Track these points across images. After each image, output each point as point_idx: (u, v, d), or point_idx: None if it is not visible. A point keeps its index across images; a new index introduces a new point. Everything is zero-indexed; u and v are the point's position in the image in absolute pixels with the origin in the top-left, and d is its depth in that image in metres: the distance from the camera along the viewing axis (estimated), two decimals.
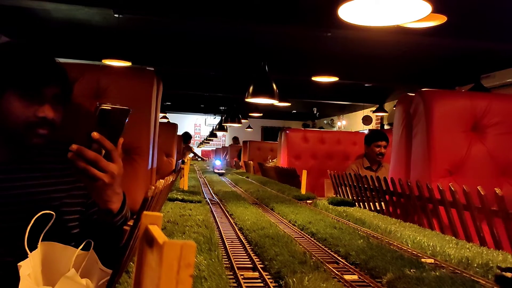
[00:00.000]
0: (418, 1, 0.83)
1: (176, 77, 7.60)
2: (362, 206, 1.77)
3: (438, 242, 1.03)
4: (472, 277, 0.79)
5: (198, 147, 14.30)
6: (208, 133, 13.08)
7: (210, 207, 1.63)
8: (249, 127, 12.95)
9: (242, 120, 9.61)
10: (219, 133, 12.16)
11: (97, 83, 1.29)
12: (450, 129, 1.54)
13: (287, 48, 5.70)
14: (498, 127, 1.56)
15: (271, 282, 0.74)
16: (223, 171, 3.87)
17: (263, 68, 3.90)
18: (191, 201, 1.70)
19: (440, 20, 2.74)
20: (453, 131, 1.54)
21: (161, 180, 0.70)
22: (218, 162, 4.33)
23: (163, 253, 0.28)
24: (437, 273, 0.80)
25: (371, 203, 1.70)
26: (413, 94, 1.65)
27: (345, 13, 0.93)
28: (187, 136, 9.22)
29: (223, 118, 9.83)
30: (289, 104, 7.51)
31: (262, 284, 0.74)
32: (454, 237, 1.13)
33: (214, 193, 2.19)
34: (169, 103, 10.48)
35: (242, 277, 0.76)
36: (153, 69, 1.99)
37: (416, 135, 1.59)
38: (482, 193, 1.01)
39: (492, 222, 1.03)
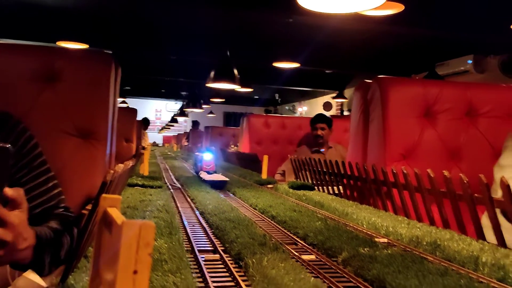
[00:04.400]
0: None
1: (136, 61, 7.42)
2: (321, 189, 1.82)
3: (391, 223, 1.08)
4: (421, 254, 0.84)
5: (159, 132, 14.09)
6: (169, 119, 12.89)
7: (171, 193, 1.63)
8: (211, 112, 12.88)
9: (204, 106, 9.54)
10: (180, 119, 12.03)
11: (50, 66, 1.25)
12: (404, 115, 1.60)
13: (249, 34, 5.67)
14: (448, 113, 1.64)
15: (231, 264, 0.76)
16: (225, 179, 1.86)
17: (224, 53, 3.88)
18: (151, 187, 1.69)
19: (397, 8, 2.81)
20: (407, 117, 1.60)
21: (120, 164, 0.69)
22: (208, 156, 2.18)
23: (122, 233, 0.28)
24: (389, 251, 0.84)
25: (329, 187, 1.75)
26: (371, 81, 1.70)
27: (305, 1, 0.95)
28: (146, 122, 9.08)
29: (184, 103, 9.72)
30: (251, 89, 7.52)
31: (222, 266, 0.76)
32: (406, 218, 1.19)
33: (175, 179, 2.18)
34: (129, 88, 10.24)
35: (203, 259, 0.78)
36: (110, 52, 1.93)
37: (373, 121, 1.65)
38: (432, 176, 1.07)
39: (441, 203, 1.09)
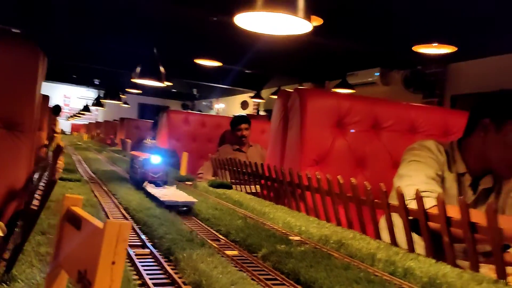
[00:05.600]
0: (301, 20, 0.95)
1: (48, 42, 6.96)
2: (240, 189, 1.92)
3: (303, 222, 1.20)
4: (329, 251, 0.96)
5: (67, 119, 13.31)
6: (81, 106, 12.24)
7: (90, 187, 1.62)
8: (125, 103, 12.46)
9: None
10: (92, 108, 11.49)
11: None
12: (319, 124, 1.75)
13: (174, 28, 5.62)
14: (357, 125, 1.83)
15: (162, 258, 0.81)
16: (192, 200, 1.33)
17: (152, 50, 3.83)
18: (69, 180, 1.65)
19: (316, 22, 3.01)
20: (321, 126, 1.76)
21: (60, 161, 0.71)
22: (156, 160, 1.56)
23: (105, 230, 0.34)
24: (302, 248, 0.96)
25: (248, 186, 1.85)
26: (291, 91, 1.83)
27: (241, 20, 1.02)
28: (57, 109, 8.56)
29: (103, 93, 9.27)
30: (171, 83, 7.44)
31: (153, 260, 0.81)
32: (316, 218, 1.33)
33: (92, 172, 2.14)
34: None
35: (134, 253, 0.82)
36: (19, 31, 1.84)
37: (291, 128, 1.78)
38: (341, 182, 1.21)
39: (347, 206, 1.23)
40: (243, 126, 3.80)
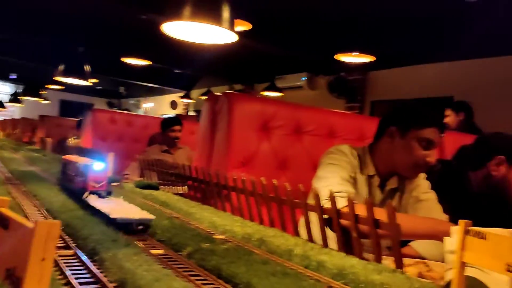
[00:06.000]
0: (227, 31, 1.00)
1: None
2: (167, 190, 1.93)
3: (228, 222, 1.26)
4: (250, 248, 1.02)
5: None
6: None
7: (7, 188, 1.55)
8: (45, 99, 11.76)
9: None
10: (6, 104, 10.73)
11: None
12: (246, 128, 1.82)
13: (100, 25, 5.44)
14: (281, 129, 1.92)
15: (86, 258, 0.83)
16: (149, 217, 1.08)
17: (76, 47, 3.69)
18: None
19: (246, 26, 3.09)
20: (248, 130, 1.83)
21: None
22: (99, 166, 1.27)
23: (35, 229, 0.37)
24: (225, 246, 1.01)
25: (175, 188, 1.87)
26: (220, 94, 1.88)
27: (168, 28, 1.05)
28: None
29: (23, 88, 8.67)
30: (97, 80, 7.17)
31: (77, 260, 0.82)
32: (241, 218, 1.39)
33: (9, 172, 2.04)
34: None
35: (57, 254, 0.83)
36: None
37: (219, 130, 1.83)
38: (264, 183, 1.28)
39: (270, 206, 1.31)
40: (177, 127, 3.79)
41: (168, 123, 3.82)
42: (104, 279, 0.71)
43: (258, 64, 7.37)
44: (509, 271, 0.68)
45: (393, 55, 5.53)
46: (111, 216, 1.04)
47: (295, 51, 5.99)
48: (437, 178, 1.78)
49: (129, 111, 10.74)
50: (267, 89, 7.38)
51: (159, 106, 12.09)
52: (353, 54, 4.27)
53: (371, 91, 6.75)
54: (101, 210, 1.10)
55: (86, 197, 1.25)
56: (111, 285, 0.70)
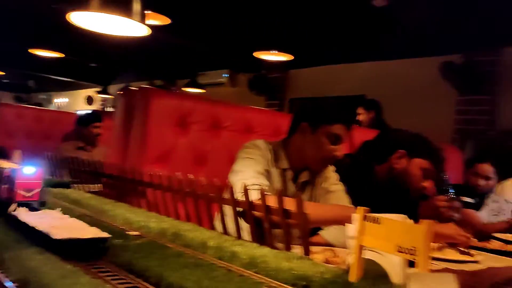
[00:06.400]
0: (138, 24, 0.99)
1: None
2: (79, 187, 1.85)
3: (143, 218, 1.25)
4: (165, 243, 1.03)
5: None
6: None
7: None
8: None
9: None
10: None
11: None
12: (163, 123, 1.81)
13: (6, 12, 5.03)
14: (198, 125, 1.93)
15: None
16: (104, 236, 0.90)
17: None
18: None
19: (164, 21, 3.04)
20: (165, 125, 1.81)
21: None
22: (29, 170, 1.07)
23: None
24: (139, 242, 1.00)
25: (89, 185, 1.80)
26: (136, 89, 1.84)
27: (76, 19, 1.02)
28: None
29: None
30: (3, 73, 6.63)
31: None
32: (157, 213, 1.38)
33: None
34: None
35: None
36: None
37: (135, 126, 1.79)
38: (180, 178, 1.29)
39: (186, 201, 1.31)
40: (98, 124, 3.63)
41: (89, 119, 3.65)
42: (2, 279, 0.68)
43: (180, 60, 7.27)
44: (399, 251, 0.75)
45: (311, 54, 5.75)
46: (53, 236, 0.81)
47: (216, 47, 6.01)
48: (345, 171, 1.90)
49: (40, 106, 10.06)
50: (188, 85, 7.30)
51: (73, 101, 11.46)
52: (271, 52, 4.38)
53: (291, 89, 6.96)
54: (36, 229, 0.86)
55: (13, 211, 0.99)
56: (14, 284, 0.67)
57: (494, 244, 1.90)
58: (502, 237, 2.14)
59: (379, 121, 4.45)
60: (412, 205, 2.04)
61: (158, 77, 8.54)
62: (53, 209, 1.11)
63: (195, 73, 7.55)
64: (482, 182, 2.94)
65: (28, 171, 1.06)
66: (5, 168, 1.11)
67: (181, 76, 8.11)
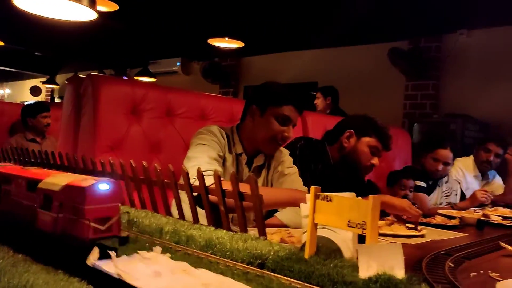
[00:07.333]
0: (85, 8, 0.96)
1: None
2: None
3: None
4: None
5: None
6: None
7: None
8: None
9: None
10: None
11: None
12: (114, 111, 1.76)
13: None
14: (151, 112, 1.90)
15: None
16: None
17: None
18: None
19: (111, 7, 2.95)
20: (116, 113, 1.77)
21: None
22: (104, 187, 0.68)
23: None
24: None
25: None
26: (84, 76, 1.78)
27: (20, 2, 0.97)
28: None
29: None
30: None
31: None
32: None
33: None
34: None
35: None
36: None
37: (85, 114, 1.74)
38: (134, 166, 1.27)
39: (140, 188, 1.30)
40: (46, 113, 3.51)
41: (37, 109, 3.51)
42: None
43: (130, 49, 7.08)
44: (350, 226, 0.79)
45: (262, 42, 5.77)
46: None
47: (167, 35, 5.89)
48: (299, 153, 1.95)
49: None
50: (139, 74, 7.13)
51: (17, 92, 10.92)
52: (224, 39, 4.35)
53: (245, 76, 6.97)
54: None
55: (91, 262, 0.61)
56: None
57: (438, 219, 2.03)
58: (445, 213, 2.30)
59: (336, 108, 4.54)
60: (362, 182, 2.14)
61: (108, 66, 8.29)
62: None
63: (147, 61, 7.39)
64: (441, 167, 2.96)
65: (103, 187, 0.67)
66: (59, 184, 0.67)
67: (132, 65, 7.92)
